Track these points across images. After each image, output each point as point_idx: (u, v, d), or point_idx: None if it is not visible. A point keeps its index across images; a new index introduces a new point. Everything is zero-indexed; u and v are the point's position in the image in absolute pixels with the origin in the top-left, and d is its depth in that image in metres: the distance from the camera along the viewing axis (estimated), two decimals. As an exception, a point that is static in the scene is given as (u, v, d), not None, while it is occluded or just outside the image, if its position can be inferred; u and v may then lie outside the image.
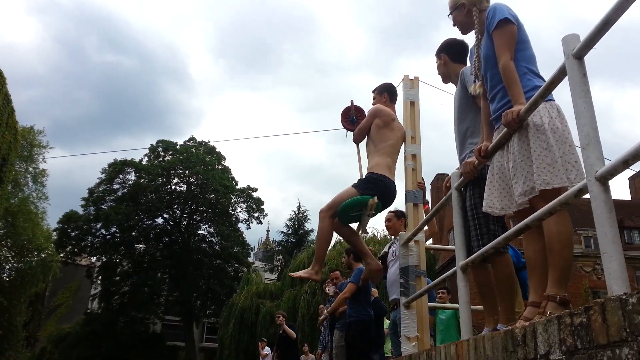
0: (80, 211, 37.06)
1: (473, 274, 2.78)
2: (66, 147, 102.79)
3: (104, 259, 36.29)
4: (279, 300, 22.02)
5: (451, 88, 3.28)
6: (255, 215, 39.77)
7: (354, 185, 3.56)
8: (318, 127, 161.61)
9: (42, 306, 50.87)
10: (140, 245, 37.78)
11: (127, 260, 36.61)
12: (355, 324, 4.88)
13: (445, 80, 3.25)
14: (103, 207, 36.43)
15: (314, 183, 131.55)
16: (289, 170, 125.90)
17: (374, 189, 3.47)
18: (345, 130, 4.10)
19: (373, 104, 3.92)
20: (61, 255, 36.28)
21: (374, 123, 3.72)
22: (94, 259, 38.52)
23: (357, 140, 3.94)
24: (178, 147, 39.47)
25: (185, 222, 38.50)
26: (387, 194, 3.59)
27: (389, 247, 4.62)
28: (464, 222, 2.82)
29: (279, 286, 24.57)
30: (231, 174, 39.91)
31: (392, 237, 4.83)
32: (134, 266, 36.51)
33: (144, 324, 35.76)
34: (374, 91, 3.94)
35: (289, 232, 36.31)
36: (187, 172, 38.58)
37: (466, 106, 2.96)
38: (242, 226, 38.74)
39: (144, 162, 38.73)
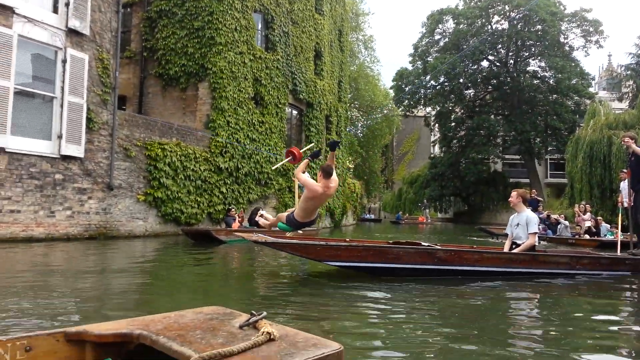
0: (409, 67, 39.96)
1: None
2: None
3: (438, 108, 38.78)
4: (636, 130, 19.61)
5: None
6: (594, 39, 34.80)
7: (287, 217, 5.94)
8: None
9: (392, 154, 59.53)
10: (470, 91, 38.69)
11: (459, 106, 38.25)
12: None
13: None
14: (429, 59, 38.25)
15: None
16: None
17: (294, 226, 5.93)
18: (291, 157, 6.81)
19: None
20: (400, 109, 40.52)
21: (307, 191, 5.55)
22: (429, 109, 41.70)
23: (296, 176, 6.06)
24: (493, -19, 36.95)
25: (512, 61, 36.99)
26: (300, 228, 6.08)
27: None
28: None
29: (635, 114, 21.72)
30: (557, -2, 35.47)
31: None
32: (467, 111, 38.00)
33: (485, 164, 37.64)
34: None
35: (639, 52, 30.74)
36: (506, 7, 36.17)
37: None
38: (578, 55, 34.81)
39: (460, 7, 38.01)
